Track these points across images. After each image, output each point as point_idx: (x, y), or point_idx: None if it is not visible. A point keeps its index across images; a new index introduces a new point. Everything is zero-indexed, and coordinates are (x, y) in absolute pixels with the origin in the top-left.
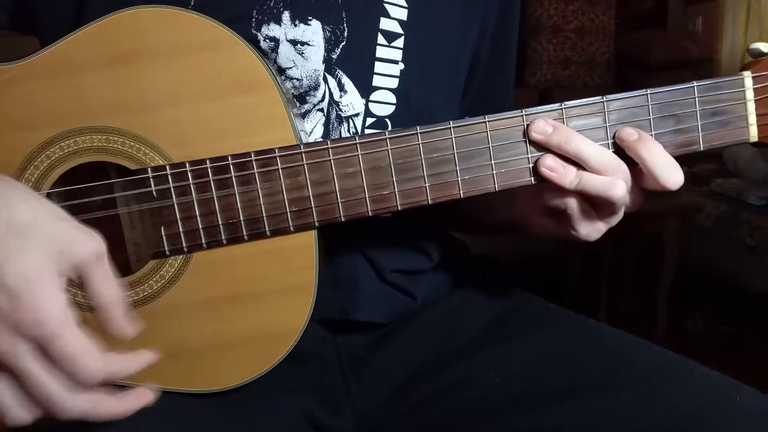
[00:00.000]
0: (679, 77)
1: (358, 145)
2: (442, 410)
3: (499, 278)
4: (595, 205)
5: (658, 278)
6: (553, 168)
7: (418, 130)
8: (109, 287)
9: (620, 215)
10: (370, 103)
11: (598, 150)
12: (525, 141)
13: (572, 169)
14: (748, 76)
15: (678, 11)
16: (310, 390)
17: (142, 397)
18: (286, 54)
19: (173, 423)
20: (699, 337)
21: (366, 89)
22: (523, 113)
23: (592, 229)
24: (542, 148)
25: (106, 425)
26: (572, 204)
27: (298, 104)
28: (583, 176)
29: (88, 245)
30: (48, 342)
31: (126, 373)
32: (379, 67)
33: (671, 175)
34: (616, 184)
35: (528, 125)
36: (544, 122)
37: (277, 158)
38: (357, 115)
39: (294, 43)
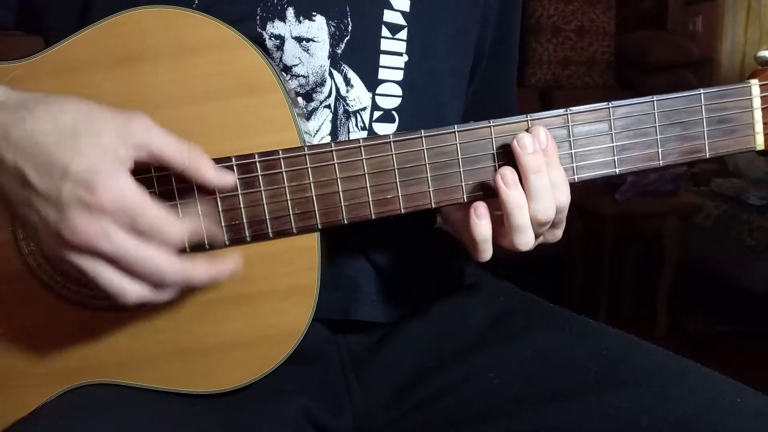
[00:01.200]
0: (679, 77)
1: (362, 148)
2: (443, 410)
3: (499, 278)
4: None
5: (658, 278)
6: (510, 184)
7: (423, 134)
8: (178, 145)
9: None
10: (376, 97)
11: (548, 196)
12: None
13: (517, 197)
14: (755, 84)
15: (678, 11)
16: (311, 390)
17: (233, 261)
18: (291, 51)
19: (172, 424)
20: (699, 337)
21: (372, 83)
22: (528, 118)
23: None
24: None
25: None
26: (484, 230)
27: (302, 104)
28: (516, 210)
29: (136, 123)
30: (133, 218)
31: (208, 236)
32: (384, 59)
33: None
34: (528, 235)
35: (515, 140)
36: (530, 140)
37: (281, 160)
38: (364, 109)
39: (299, 40)
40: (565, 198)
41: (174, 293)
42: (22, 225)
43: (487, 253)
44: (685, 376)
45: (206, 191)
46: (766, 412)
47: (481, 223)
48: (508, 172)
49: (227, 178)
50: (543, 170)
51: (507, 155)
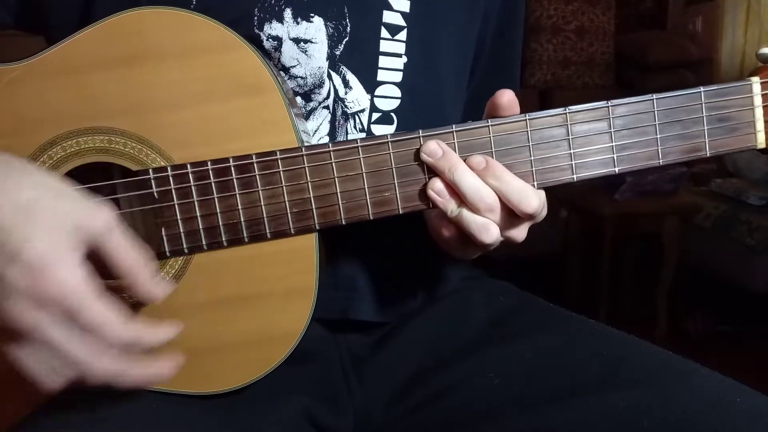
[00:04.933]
0: (678, 77)
1: (359, 148)
2: (443, 410)
3: (499, 278)
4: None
5: (658, 278)
6: (439, 192)
7: (420, 134)
8: (128, 253)
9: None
10: (375, 98)
11: (477, 186)
12: (529, 146)
13: (453, 201)
14: (756, 82)
15: (678, 11)
16: (311, 390)
17: (167, 365)
18: (289, 53)
19: (172, 424)
20: (699, 337)
21: (371, 84)
22: (527, 117)
23: (467, 253)
24: (546, 148)
25: (105, 426)
26: (450, 233)
27: (300, 105)
28: (463, 211)
29: (99, 218)
30: (74, 314)
31: (150, 339)
32: (383, 61)
33: (527, 199)
34: (488, 229)
35: (420, 146)
36: (435, 145)
37: (279, 160)
38: (363, 110)
39: (297, 41)
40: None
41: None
42: None
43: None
44: (685, 376)
45: (204, 193)
46: (766, 412)
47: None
48: (437, 183)
49: (157, 293)
50: (453, 169)
51: (506, 153)
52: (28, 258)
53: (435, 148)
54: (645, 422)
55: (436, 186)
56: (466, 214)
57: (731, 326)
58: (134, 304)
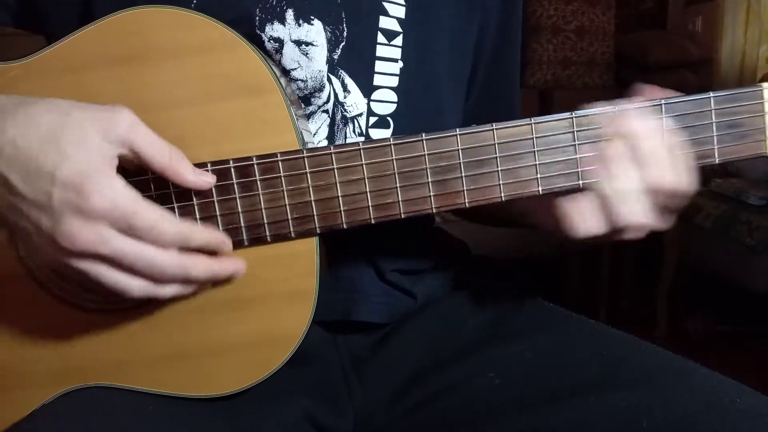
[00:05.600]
0: (678, 77)
1: (361, 152)
2: (443, 410)
3: (499, 278)
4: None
5: (658, 278)
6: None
7: (423, 137)
8: (161, 145)
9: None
10: (372, 103)
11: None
12: (534, 151)
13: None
14: (767, 88)
15: (678, 11)
16: (311, 391)
17: (235, 263)
18: (290, 55)
19: (173, 427)
20: (699, 337)
21: (367, 89)
22: (532, 122)
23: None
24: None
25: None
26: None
27: (303, 106)
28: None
29: (121, 119)
30: (128, 220)
31: (199, 234)
32: (379, 66)
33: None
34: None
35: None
36: None
37: (280, 163)
38: (360, 114)
39: (298, 43)
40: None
41: (177, 289)
42: (15, 232)
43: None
44: (685, 376)
45: (203, 194)
46: (766, 412)
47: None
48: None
49: (205, 180)
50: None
51: (511, 159)
52: (66, 178)
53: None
54: (645, 422)
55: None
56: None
57: (731, 326)
58: (134, 305)
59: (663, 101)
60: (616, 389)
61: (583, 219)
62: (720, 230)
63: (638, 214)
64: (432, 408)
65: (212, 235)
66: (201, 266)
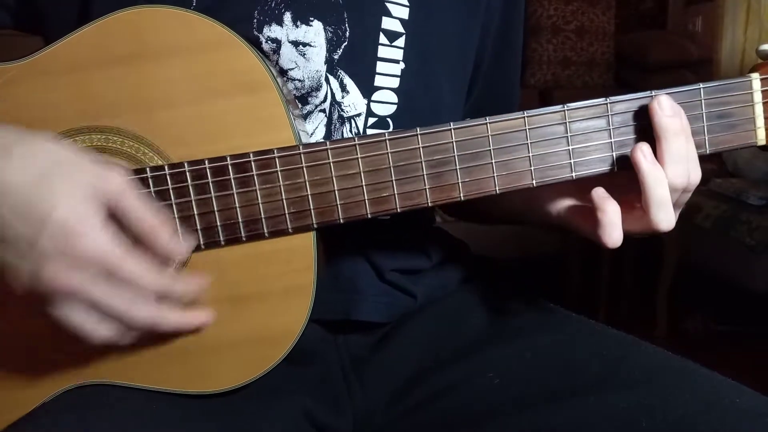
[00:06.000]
0: (678, 77)
1: (357, 146)
2: (443, 410)
3: (499, 278)
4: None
5: (658, 278)
6: (648, 156)
7: (418, 132)
8: (145, 213)
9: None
10: (371, 103)
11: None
12: (527, 143)
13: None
14: (756, 78)
15: (678, 11)
16: (311, 390)
17: (203, 316)
18: (287, 55)
19: (171, 424)
20: (699, 337)
21: (368, 89)
22: (525, 115)
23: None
24: (545, 146)
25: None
26: (613, 213)
27: (299, 105)
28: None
29: (112, 181)
30: (112, 270)
31: (182, 287)
32: (380, 66)
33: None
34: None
35: (651, 104)
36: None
37: (276, 159)
38: (359, 115)
39: (296, 44)
40: (696, 170)
41: (138, 336)
42: None
43: (616, 233)
44: (684, 376)
45: (201, 191)
46: (766, 413)
47: (608, 203)
48: (645, 147)
49: (179, 249)
50: (681, 133)
51: (505, 151)
52: (56, 224)
53: (668, 105)
54: (645, 422)
55: (647, 151)
56: (658, 189)
57: (731, 326)
58: None
59: (654, 93)
60: (616, 389)
61: (618, 230)
62: (720, 230)
63: (673, 219)
64: (432, 408)
65: (191, 287)
66: (170, 320)
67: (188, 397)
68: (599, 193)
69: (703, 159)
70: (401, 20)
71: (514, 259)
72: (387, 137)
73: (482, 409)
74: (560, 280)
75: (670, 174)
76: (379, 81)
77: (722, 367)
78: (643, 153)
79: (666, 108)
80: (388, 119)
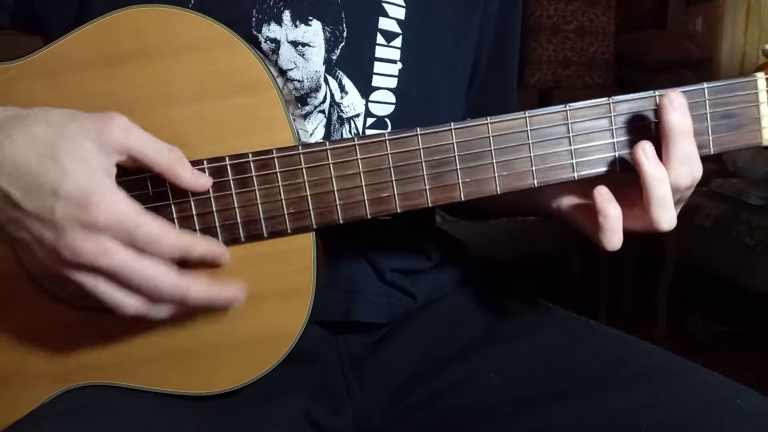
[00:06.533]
0: (678, 77)
1: (356, 147)
2: (442, 410)
3: (499, 278)
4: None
5: (658, 278)
6: (651, 157)
7: (419, 132)
8: (158, 147)
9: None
10: (369, 104)
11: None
12: (529, 143)
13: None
14: (761, 78)
15: (678, 11)
16: (310, 390)
17: (233, 289)
18: (287, 56)
19: (171, 425)
20: (699, 337)
21: (366, 89)
22: (526, 115)
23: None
24: (546, 146)
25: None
26: (614, 213)
27: (299, 105)
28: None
29: (114, 125)
30: (130, 233)
31: (199, 247)
32: (378, 67)
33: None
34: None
35: (662, 100)
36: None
37: (275, 159)
38: (358, 115)
39: (295, 44)
40: (699, 170)
41: (171, 309)
42: (14, 244)
43: (616, 238)
44: (684, 376)
45: (200, 191)
46: (766, 412)
47: (610, 206)
48: (648, 146)
49: (202, 181)
50: (690, 134)
51: (506, 151)
52: (69, 193)
53: (683, 101)
54: (645, 422)
55: (649, 151)
56: (661, 188)
57: (731, 326)
58: None
59: (657, 93)
60: (616, 389)
61: (619, 236)
62: (720, 230)
63: (674, 219)
64: (431, 408)
65: (211, 246)
66: (199, 287)
67: (187, 398)
68: (602, 194)
69: (704, 159)
70: (398, 20)
71: (514, 259)
72: (387, 137)
73: (482, 409)
74: (560, 280)
75: (676, 175)
76: (376, 81)
77: (722, 367)
78: (645, 153)
79: (678, 107)
80: (387, 119)
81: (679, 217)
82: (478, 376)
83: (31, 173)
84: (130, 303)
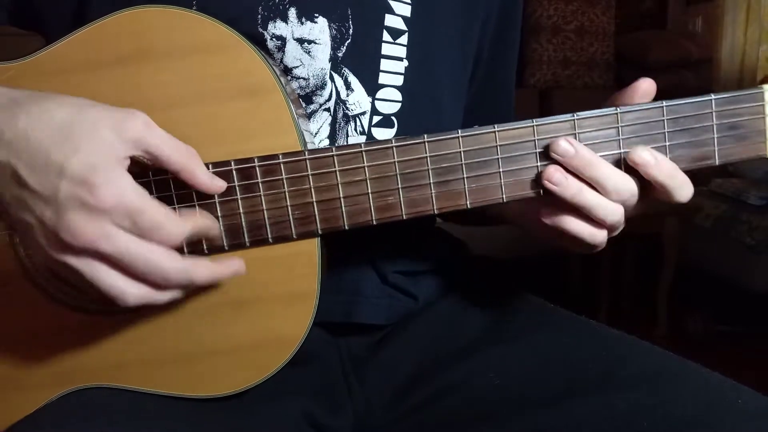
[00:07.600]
0: (679, 77)
1: (363, 153)
2: (443, 411)
3: (499, 278)
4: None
5: (658, 278)
6: (559, 182)
7: (425, 139)
8: (176, 147)
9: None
10: (376, 101)
11: (617, 176)
12: (535, 152)
13: (574, 182)
14: (767, 90)
15: (678, 11)
16: (311, 391)
17: (236, 264)
18: (293, 53)
19: (172, 427)
20: (699, 337)
21: (372, 87)
22: (534, 123)
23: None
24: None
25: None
26: (570, 222)
27: (303, 105)
28: (585, 191)
29: (135, 119)
30: (134, 217)
31: (206, 229)
32: (384, 64)
33: (685, 192)
34: (616, 213)
35: (549, 144)
36: (567, 144)
37: (281, 165)
38: (364, 113)
39: (301, 41)
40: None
41: (175, 294)
42: (16, 226)
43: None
44: (685, 376)
45: (204, 196)
46: (766, 413)
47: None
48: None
49: (218, 183)
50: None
51: (512, 160)
52: (75, 171)
53: (567, 147)
54: (645, 422)
55: (556, 177)
56: (591, 195)
57: (731, 326)
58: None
59: (665, 104)
60: (616, 389)
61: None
62: (720, 230)
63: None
64: (432, 408)
65: (215, 234)
66: (204, 270)
67: (189, 400)
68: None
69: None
70: (404, 18)
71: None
72: (394, 144)
73: (482, 409)
74: (560, 280)
75: (610, 196)
76: (383, 79)
77: (722, 367)
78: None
79: (564, 152)
80: (393, 117)
81: (679, 217)
82: (478, 377)
83: (40, 149)
84: (131, 291)
